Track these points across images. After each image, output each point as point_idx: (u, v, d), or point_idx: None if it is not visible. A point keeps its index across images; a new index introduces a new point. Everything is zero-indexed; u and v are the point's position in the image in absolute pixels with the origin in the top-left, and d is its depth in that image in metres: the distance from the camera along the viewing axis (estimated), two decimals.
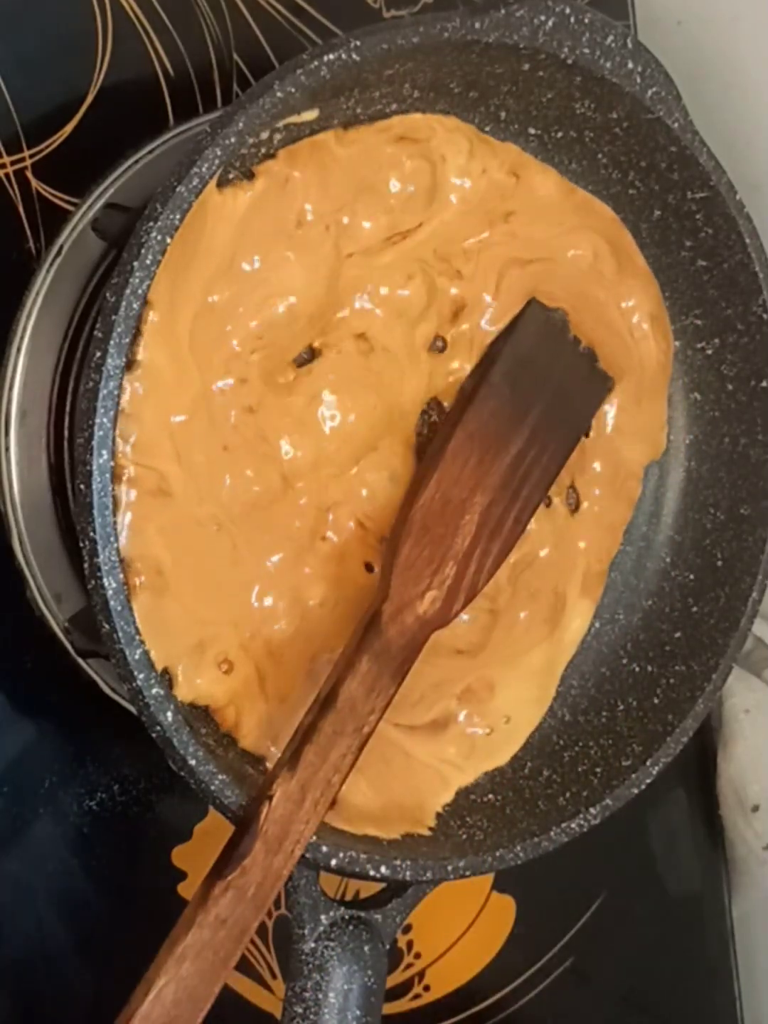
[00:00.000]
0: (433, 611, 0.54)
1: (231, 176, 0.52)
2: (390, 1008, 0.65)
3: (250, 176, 0.52)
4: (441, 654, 0.57)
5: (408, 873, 0.53)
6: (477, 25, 0.52)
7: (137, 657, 0.48)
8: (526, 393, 0.57)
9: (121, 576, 0.48)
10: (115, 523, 0.48)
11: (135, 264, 0.48)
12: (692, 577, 0.62)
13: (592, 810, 0.57)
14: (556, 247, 0.59)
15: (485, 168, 0.57)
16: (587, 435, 0.60)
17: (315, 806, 0.50)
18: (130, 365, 0.49)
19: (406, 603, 0.53)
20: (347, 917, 0.54)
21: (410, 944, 0.67)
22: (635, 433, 0.62)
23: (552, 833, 0.56)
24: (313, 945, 0.53)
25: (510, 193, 0.58)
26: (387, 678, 0.52)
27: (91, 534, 0.48)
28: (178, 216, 0.48)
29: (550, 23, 0.53)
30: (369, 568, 0.56)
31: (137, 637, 0.48)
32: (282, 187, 0.53)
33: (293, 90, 0.50)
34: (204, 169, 0.49)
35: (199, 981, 0.48)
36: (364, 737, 0.51)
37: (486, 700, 0.59)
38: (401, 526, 0.54)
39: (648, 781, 0.58)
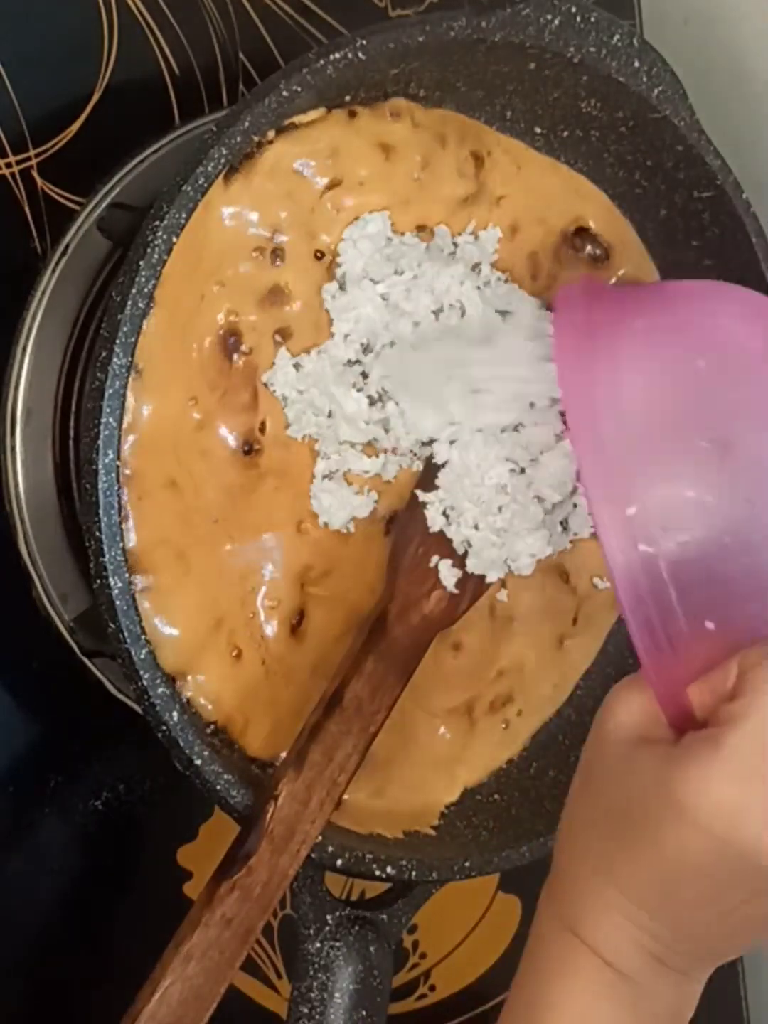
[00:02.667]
0: (439, 610, 0.54)
1: (236, 175, 0.52)
2: (396, 1008, 0.65)
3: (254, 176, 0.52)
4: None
5: (414, 873, 0.53)
6: (483, 24, 0.52)
7: (143, 656, 0.48)
8: None
9: (127, 575, 0.48)
10: (121, 522, 0.48)
11: (141, 263, 0.48)
12: None
13: None
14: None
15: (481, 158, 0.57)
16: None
17: (321, 806, 0.50)
18: (135, 364, 0.49)
19: (412, 603, 0.53)
20: (352, 917, 0.54)
21: (416, 944, 0.67)
22: None
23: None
24: (319, 945, 0.53)
25: (510, 179, 0.58)
26: (393, 678, 0.52)
27: (97, 533, 0.48)
28: (184, 215, 0.48)
29: (556, 22, 0.53)
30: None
31: (143, 636, 0.49)
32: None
33: (299, 89, 0.50)
34: (210, 168, 0.49)
35: (205, 981, 0.48)
36: (370, 736, 0.51)
37: (515, 687, 0.59)
38: (407, 526, 0.54)
39: None
